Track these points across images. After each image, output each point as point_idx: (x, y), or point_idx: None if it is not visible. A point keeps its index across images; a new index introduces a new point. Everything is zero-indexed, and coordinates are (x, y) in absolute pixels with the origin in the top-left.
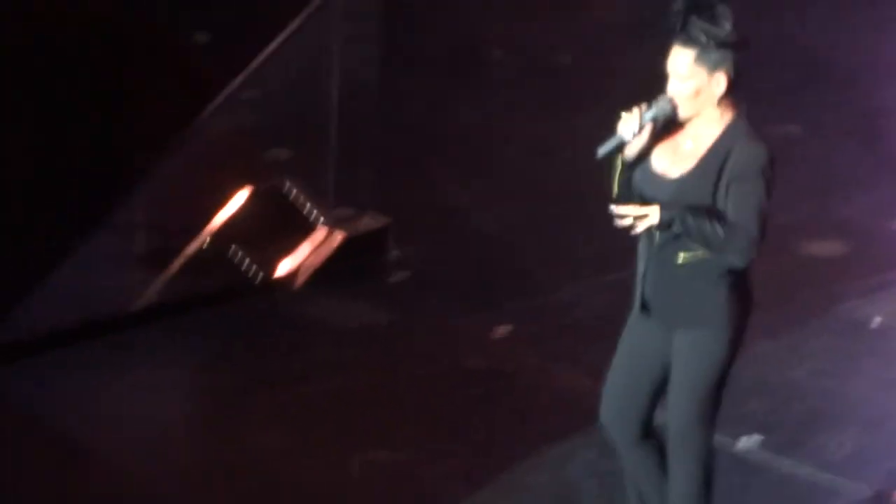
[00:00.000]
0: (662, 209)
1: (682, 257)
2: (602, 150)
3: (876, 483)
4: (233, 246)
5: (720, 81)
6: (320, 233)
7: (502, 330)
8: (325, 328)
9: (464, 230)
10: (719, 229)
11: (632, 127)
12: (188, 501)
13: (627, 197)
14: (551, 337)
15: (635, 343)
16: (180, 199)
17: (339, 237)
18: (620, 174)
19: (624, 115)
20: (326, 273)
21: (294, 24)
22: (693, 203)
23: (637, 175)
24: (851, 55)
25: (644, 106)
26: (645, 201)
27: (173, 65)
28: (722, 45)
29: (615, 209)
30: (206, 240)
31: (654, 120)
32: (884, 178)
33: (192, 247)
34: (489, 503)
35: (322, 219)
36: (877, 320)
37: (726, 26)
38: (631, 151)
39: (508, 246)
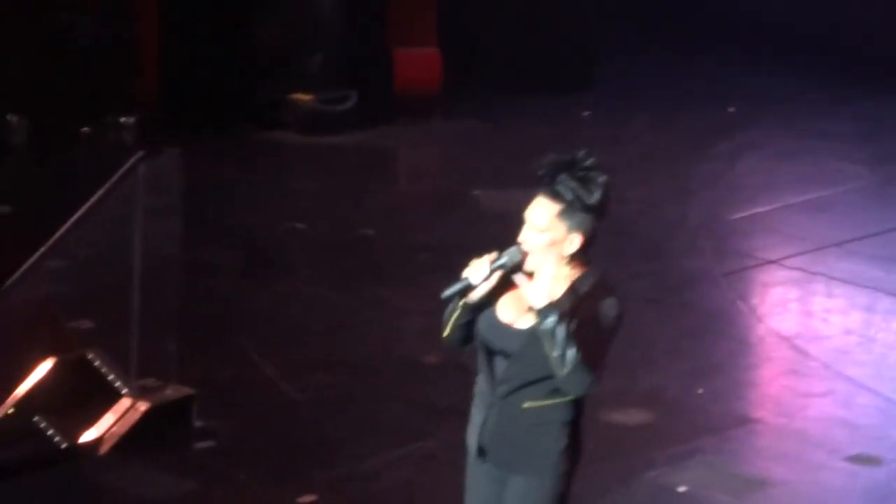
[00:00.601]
0: (548, 306)
1: (527, 404)
2: (447, 292)
3: None
4: (37, 415)
5: (574, 241)
6: (124, 402)
7: (307, 500)
8: (128, 497)
9: (269, 401)
10: (576, 351)
11: (481, 272)
12: None
13: (460, 340)
14: None
15: (480, 492)
16: None
17: (143, 407)
18: (459, 317)
19: (474, 261)
20: (130, 442)
21: (97, 195)
22: (541, 356)
23: (481, 325)
24: (655, 224)
25: (495, 254)
26: (490, 351)
27: None
28: (586, 209)
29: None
30: (10, 409)
31: (503, 267)
32: (686, 347)
33: None
34: None
35: (126, 389)
36: (682, 489)
37: (595, 193)
38: (475, 296)
39: (314, 417)
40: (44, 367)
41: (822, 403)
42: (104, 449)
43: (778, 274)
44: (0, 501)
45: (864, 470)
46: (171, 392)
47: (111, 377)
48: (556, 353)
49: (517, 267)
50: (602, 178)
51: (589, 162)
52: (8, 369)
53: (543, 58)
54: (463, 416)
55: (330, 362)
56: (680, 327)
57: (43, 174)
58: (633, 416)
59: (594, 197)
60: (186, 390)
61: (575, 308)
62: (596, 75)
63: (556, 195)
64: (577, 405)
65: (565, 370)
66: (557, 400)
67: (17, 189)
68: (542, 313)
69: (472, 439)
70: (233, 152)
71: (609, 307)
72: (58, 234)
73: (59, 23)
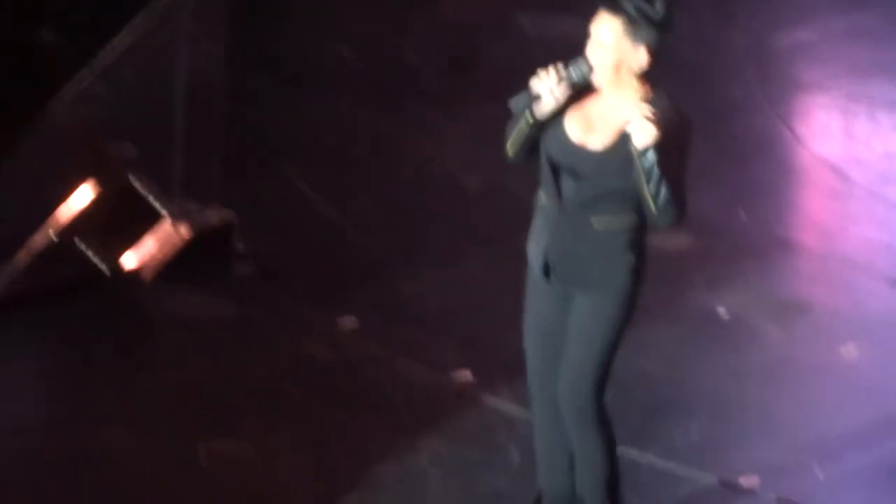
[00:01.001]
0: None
1: (596, 222)
2: (514, 103)
3: (721, 471)
4: (78, 238)
5: (641, 56)
6: (166, 225)
7: (349, 322)
8: (173, 320)
9: (311, 224)
10: (670, 189)
11: (549, 85)
12: (38, 497)
13: (525, 154)
14: (398, 330)
15: (541, 311)
16: (25, 191)
17: (185, 230)
18: (526, 132)
19: (541, 72)
20: (173, 265)
21: (139, 20)
22: (615, 175)
23: (550, 142)
24: (697, 49)
25: (560, 66)
26: (555, 168)
27: (17, 59)
28: (649, 21)
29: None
30: (52, 233)
31: (571, 80)
32: (729, 171)
33: (38, 240)
34: (339, 494)
35: (168, 212)
36: (722, 311)
37: (658, 4)
38: (542, 111)
39: (356, 240)
40: (85, 190)
41: (863, 228)
42: (145, 271)
43: (821, 99)
44: (43, 324)
45: None
46: (213, 215)
47: (152, 200)
48: (650, 192)
49: (585, 80)
50: None
51: None
52: (50, 192)
53: None
54: (503, 241)
55: (373, 186)
56: (723, 151)
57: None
58: (674, 240)
59: (657, 8)
60: (228, 213)
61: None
62: None
63: (619, 9)
64: (644, 223)
65: (658, 207)
66: (625, 216)
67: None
68: (643, 151)
69: (536, 258)
70: None
71: (686, 132)
72: (100, 58)
73: None
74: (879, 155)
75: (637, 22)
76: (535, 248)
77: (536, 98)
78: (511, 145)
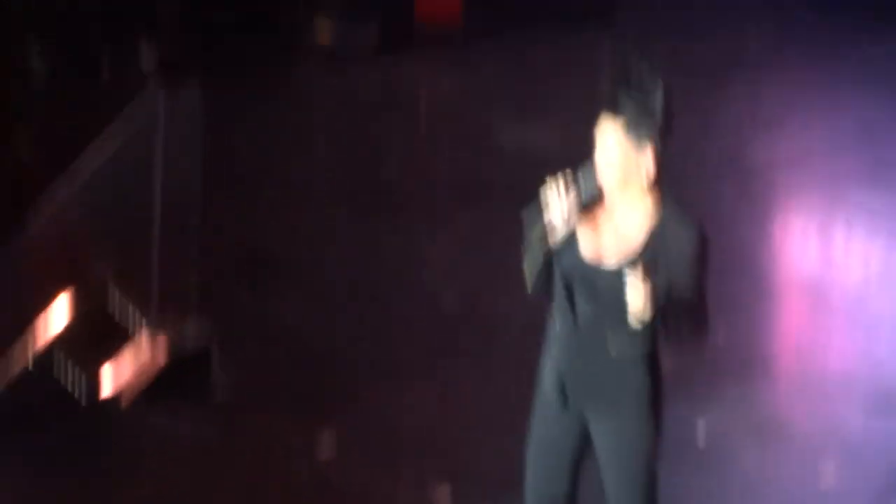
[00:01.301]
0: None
1: (610, 341)
2: (526, 216)
3: None
4: (56, 348)
5: (647, 161)
6: (144, 347)
7: (329, 440)
8: (152, 438)
9: (288, 340)
10: (682, 317)
11: (562, 212)
12: None
13: (544, 286)
14: (379, 447)
15: (548, 434)
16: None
17: (163, 345)
18: (541, 261)
19: (550, 189)
20: (151, 381)
21: (114, 130)
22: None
23: (562, 260)
24: (674, 162)
25: (570, 186)
26: (571, 293)
27: None
28: (651, 117)
29: None
30: (30, 341)
31: (579, 193)
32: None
33: (14, 353)
34: None
35: (146, 326)
36: (700, 430)
37: (655, 100)
38: (558, 237)
39: (334, 354)
40: (64, 300)
41: (843, 346)
42: (124, 387)
43: (798, 214)
44: (18, 446)
45: None
46: (192, 327)
47: (130, 316)
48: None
49: (595, 193)
50: (660, 83)
51: (645, 70)
52: (28, 302)
53: None
54: (482, 355)
55: (350, 299)
56: None
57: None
58: None
59: (655, 105)
60: (207, 325)
61: (661, 243)
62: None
63: (618, 111)
64: (656, 339)
65: (680, 340)
66: (642, 334)
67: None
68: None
69: (550, 381)
70: (253, 87)
71: (693, 240)
72: (77, 167)
73: None
74: (857, 271)
75: (638, 120)
76: (550, 371)
77: (550, 228)
78: (529, 278)
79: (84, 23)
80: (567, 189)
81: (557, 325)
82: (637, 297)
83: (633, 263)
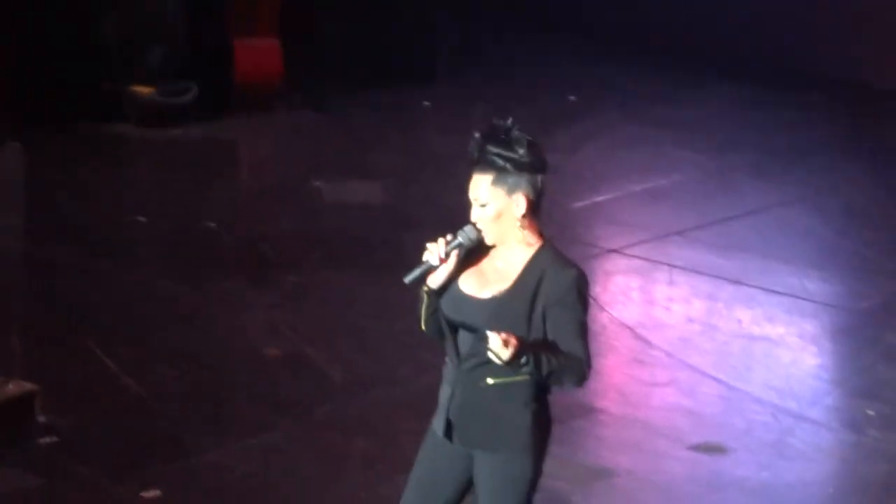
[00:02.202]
0: (519, 347)
1: (491, 380)
2: (409, 278)
3: None
4: None
5: (519, 203)
6: None
7: (151, 494)
8: None
9: (113, 396)
10: (555, 363)
11: (437, 253)
12: None
13: (437, 330)
14: (200, 501)
15: (433, 468)
16: None
17: None
18: (428, 305)
19: (429, 245)
20: None
21: None
22: (507, 325)
23: (446, 300)
24: None
25: (450, 236)
26: (452, 326)
27: None
28: (518, 167)
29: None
30: None
31: (460, 247)
32: None
33: None
34: None
35: None
36: None
37: (520, 151)
38: (436, 280)
39: (158, 411)
40: None
41: (665, 392)
42: None
43: (620, 263)
44: None
45: (706, 458)
46: (14, 388)
47: None
48: (539, 376)
49: (477, 244)
50: (524, 136)
51: (507, 124)
52: None
53: (385, 50)
54: (305, 408)
55: (174, 356)
56: None
57: None
58: None
59: (521, 155)
60: (29, 386)
61: (538, 282)
62: (435, 67)
63: (485, 166)
64: (542, 382)
65: (554, 384)
66: (520, 378)
67: None
68: (514, 366)
69: (438, 419)
70: (73, 146)
71: (573, 280)
72: None
73: None
74: (680, 319)
75: (505, 171)
76: (439, 410)
77: (428, 268)
78: (421, 320)
79: None
80: (445, 240)
81: (448, 363)
82: (493, 334)
83: (500, 297)
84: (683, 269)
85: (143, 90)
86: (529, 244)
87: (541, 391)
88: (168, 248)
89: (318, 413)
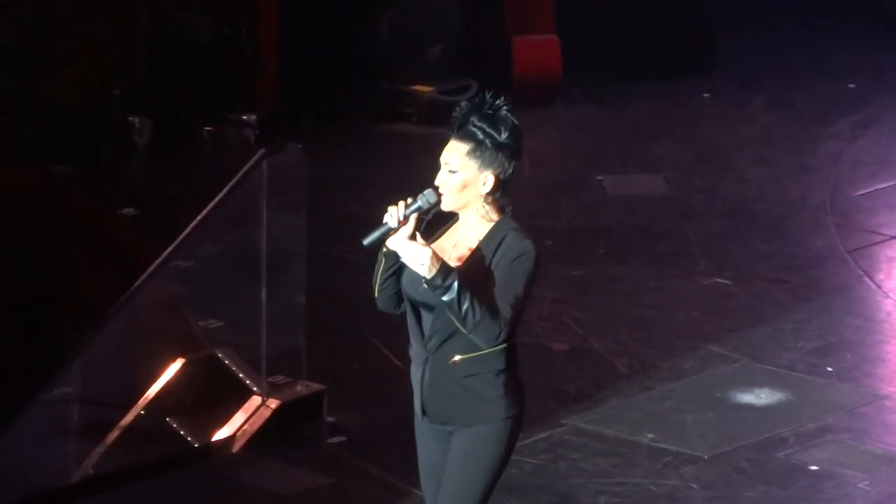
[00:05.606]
0: (437, 264)
1: (458, 357)
2: (367, 240)
3: None
4: (168, 416)
5: (487, 181)
6: (255, 400)
7: None
8: (263, 494)
9: (400, 392)
10: (478, 309)
11: (397, 216)
12: None
13: (392, 299)
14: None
15: (425, 453)
16: (114, 370)
17: (273, 404)
18: (384, 269)
19: (390, 207)
20: (263, 440)
21: (222, 193)
22: None
23: (404, 280)
24: (779, 202)
25: (409, 199)
26: (414, 304)
27: (102, 237)
28: (496, 146)
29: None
30: (142, 410)
31: (420, 210)
32: (814, 324)
33: (129, 418)
34: None
35: (256, 387)
36: (814, 467)
37: (503, 131)
38: (395, 242)
39: None
40: (174, 368)
41: None
42: (237, 447)
43: None
44: (136, 502)
45: None
46: (302, 388)
47: (241, 375)
48: (455, 317)
49: (433, 206)
50: (512, 119)
51: (497, 102)
52: (139, 370)
53: (662, 41)
54: (593, 402)
55: None
56: (807, 306)
57: (168, 174)
58: (762, 396)
59: (503, 135)
60: (317, 386)
61: (491, 255)
62: (715, 57)
63: (466, 135)
64: (508, 354)
65: (468, 328)
66: (485, 350)
67: (142, 190)
68: (430, 283)
69: (415, 399)
70: (354, 146)
71: (525, 250)
72: (184, 234)
73: (179, 21)
74: None
75: (483, 146)
76: (414, 390)
77: (387, 230)
78: (375, 284)
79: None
80: (405, 202)
81: (412, 344)
82: (450, 298)
83: (458, 271)
84: None
85: (424, 89)
86: (490, 220)
87: (508, 363)
88: None
89: (605, 406)
